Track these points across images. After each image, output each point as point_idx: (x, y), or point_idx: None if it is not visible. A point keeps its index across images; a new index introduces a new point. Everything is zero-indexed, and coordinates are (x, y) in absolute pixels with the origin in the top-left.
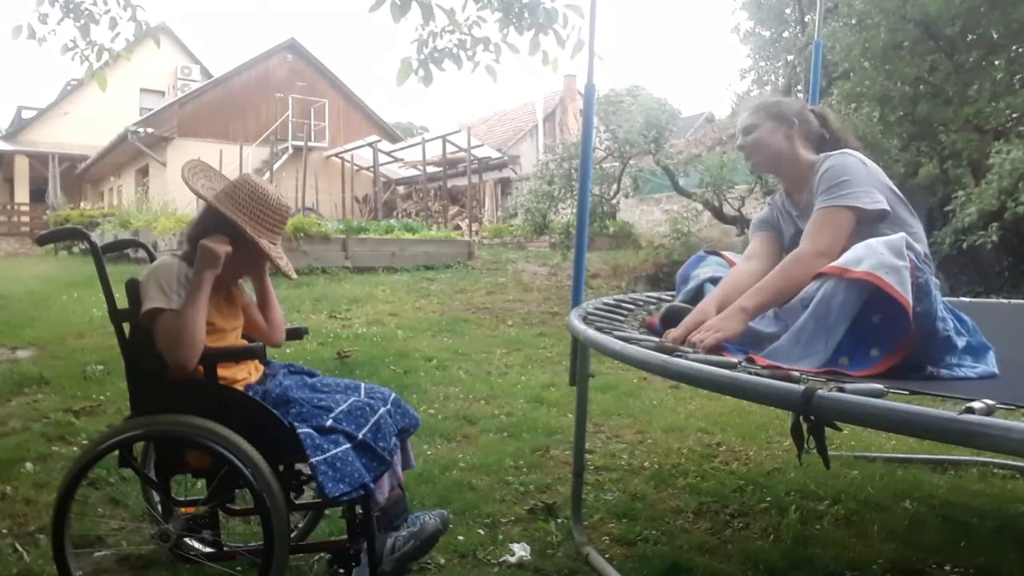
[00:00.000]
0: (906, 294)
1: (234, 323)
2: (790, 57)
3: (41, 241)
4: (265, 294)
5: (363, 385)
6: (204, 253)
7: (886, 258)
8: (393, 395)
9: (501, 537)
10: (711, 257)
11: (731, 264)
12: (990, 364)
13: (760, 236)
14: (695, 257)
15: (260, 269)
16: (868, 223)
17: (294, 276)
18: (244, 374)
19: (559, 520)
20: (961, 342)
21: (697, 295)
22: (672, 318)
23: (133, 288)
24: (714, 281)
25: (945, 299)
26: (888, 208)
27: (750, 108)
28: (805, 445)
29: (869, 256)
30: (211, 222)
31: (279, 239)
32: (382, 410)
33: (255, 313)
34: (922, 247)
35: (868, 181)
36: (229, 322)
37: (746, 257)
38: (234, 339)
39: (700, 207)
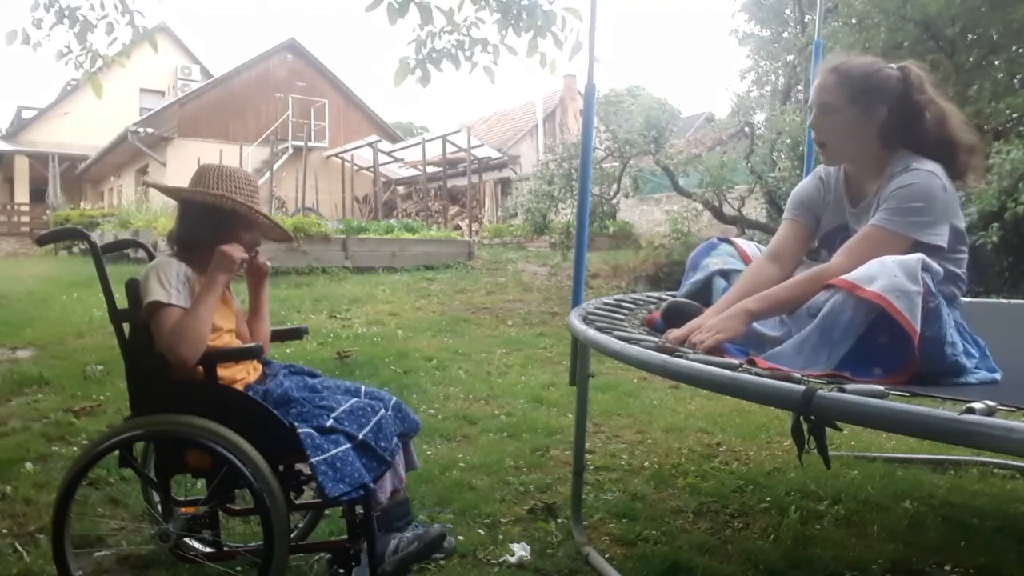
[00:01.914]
0: (914, 321)
1: (229, 324)
2: (790, 57)
3: (41, 241)
4: (258, 304)
5: (363, 388)
6: (222, 257)
7: (899, 281)
8: (394, 399)
9: (501, 537)
10: (723, 245)
11: (743, 255)
12: (993, 373)
13: (791, 223)
14: (707, 244)
15: (251, 256)
16: (915, 250)
17: (293, 239)
18: (243, 374)
19: (559, 520)
20: (971, 364)
21: (704, 288)
22: (674, 313)
23: (133, 288)
24: (724, 274)
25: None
26: (944, 245)
27: (836, 74)
28: (805, 445)
29: (882, 276)
30: (193, 217)
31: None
32: (383, 412)
33: (241, 324)
34: (957, 269)
35: (941, 211)
36: (226, 321)
37: (771, 254)
38: (230, 339)
39: (700, 207)
